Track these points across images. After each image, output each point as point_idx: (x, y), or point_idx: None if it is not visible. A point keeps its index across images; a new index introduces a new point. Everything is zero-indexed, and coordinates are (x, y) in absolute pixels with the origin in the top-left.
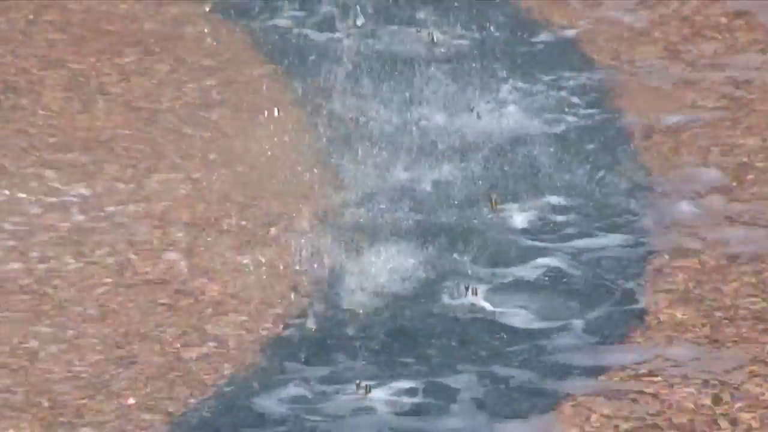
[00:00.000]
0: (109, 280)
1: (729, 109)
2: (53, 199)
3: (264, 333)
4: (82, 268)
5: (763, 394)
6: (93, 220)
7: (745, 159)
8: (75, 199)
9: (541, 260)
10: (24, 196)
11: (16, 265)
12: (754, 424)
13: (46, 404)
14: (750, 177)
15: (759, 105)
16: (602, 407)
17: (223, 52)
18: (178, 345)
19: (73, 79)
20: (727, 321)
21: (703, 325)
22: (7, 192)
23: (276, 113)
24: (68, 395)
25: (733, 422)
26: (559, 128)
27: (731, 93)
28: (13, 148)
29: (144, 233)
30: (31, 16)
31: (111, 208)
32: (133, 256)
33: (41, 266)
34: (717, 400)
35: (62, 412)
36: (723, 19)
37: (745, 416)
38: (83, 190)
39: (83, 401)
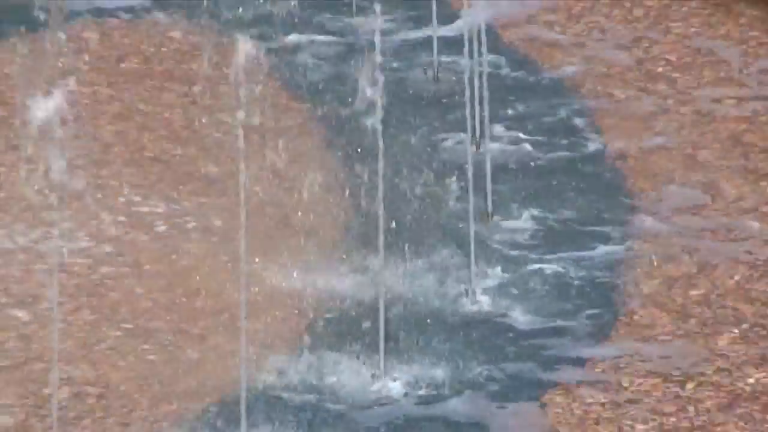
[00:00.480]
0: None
1: (698, 134)
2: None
3: (294, 328)
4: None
5: (722, 382)
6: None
7: (712, 178)
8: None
9: (535, 268)
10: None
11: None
12: (714, 409)
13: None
14: (716, 195)
15: (722, 132)
16: (584, 394)
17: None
18: (218, 340)
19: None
20: (693, 321)
21: (673, 324)
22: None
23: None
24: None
25: (696, 407)
26: (551, 151)
27: (699, 120)
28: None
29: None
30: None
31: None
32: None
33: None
34: (683, 388)
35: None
36: (689, 58)
37: (707, 403)
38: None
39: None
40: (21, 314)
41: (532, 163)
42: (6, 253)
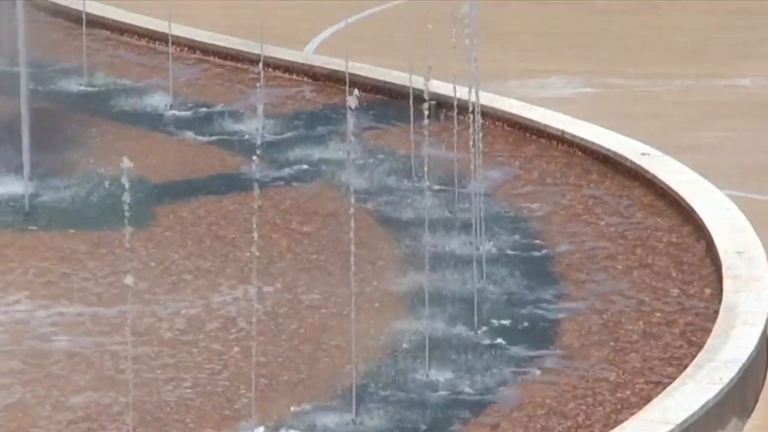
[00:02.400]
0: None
1: (622, 243)
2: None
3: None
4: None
5: (610, 378)
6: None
7: (621, 271)
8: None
9: (521, 315)
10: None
11: None
12: (609, 396)
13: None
14: (631, 286)
15: (622, 254)
16: (535, 388)
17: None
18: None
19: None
20: (604, 347)
21: (593, 350)
22: None
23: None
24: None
25: (593, 394)
26: (523, 253)
27: (610, 234)
28: None
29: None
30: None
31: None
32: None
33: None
34: (586, 385)
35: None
36: (590, 202)
37: (601, 390)
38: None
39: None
40: None
41: (507, 263)
42: None
